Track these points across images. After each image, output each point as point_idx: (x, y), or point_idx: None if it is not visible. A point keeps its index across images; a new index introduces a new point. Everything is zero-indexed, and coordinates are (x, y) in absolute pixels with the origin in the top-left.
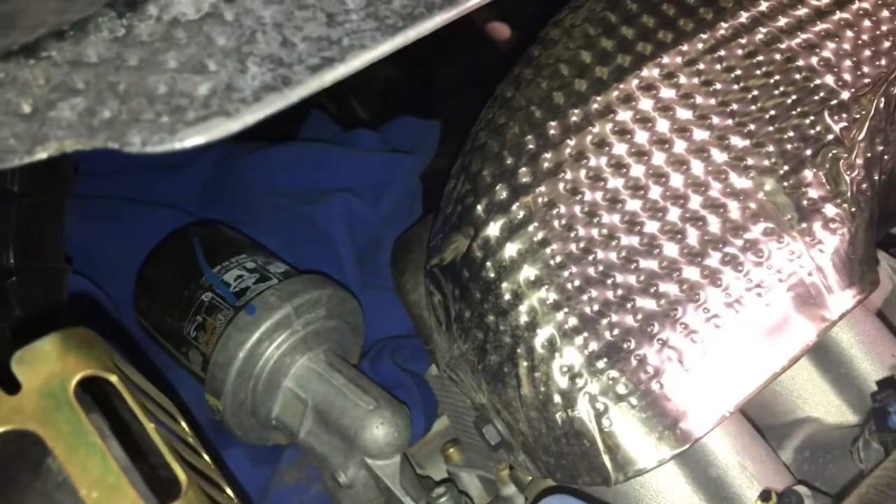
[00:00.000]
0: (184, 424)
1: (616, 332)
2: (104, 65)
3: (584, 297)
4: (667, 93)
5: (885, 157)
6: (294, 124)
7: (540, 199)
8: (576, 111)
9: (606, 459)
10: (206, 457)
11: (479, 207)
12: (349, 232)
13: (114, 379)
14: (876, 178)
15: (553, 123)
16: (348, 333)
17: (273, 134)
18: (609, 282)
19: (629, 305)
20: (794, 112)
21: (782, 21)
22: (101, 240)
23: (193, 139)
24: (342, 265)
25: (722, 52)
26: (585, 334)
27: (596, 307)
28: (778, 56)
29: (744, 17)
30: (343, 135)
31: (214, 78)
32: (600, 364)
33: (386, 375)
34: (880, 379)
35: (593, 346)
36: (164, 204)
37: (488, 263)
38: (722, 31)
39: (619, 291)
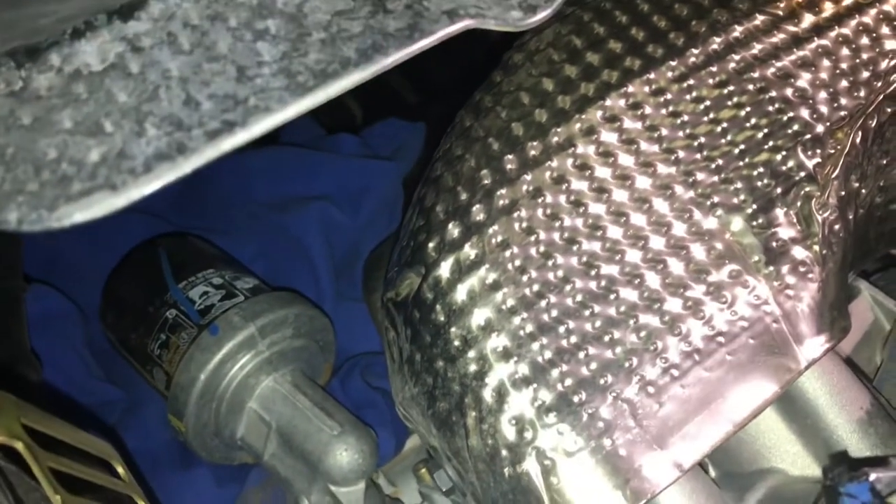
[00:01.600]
0: (121, 471)
1: (568, 382)
2: None
3: (536, 346)
4: (631, 125)
5: (863, 191)
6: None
7: (493, 240)
8: (534, 144)
9: None
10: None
11: (430, 245)
12: (326, 241)
13: (19, 447)
14: (851, 216)
15: (510, 157)
16: (317, 352)
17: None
18: (562, 329)
19: (582, 355)
20: (765, 146)
21: (756, 48)
22: (71, 246)
23: (73, 217)
24: (318, 276)
25: (691, 81)
26: (535, 385)
27: (548, 355)
28: (751, 86)
29: (716, 43)
30: (324, 139)
31: (108, 142)
32: (550, 418)
33: (356, 394)
34: (833, 453)
35: (543, 397)
36: (136, 209)
37: (438, 306)
38: (693, 59)
39: (573, 339)
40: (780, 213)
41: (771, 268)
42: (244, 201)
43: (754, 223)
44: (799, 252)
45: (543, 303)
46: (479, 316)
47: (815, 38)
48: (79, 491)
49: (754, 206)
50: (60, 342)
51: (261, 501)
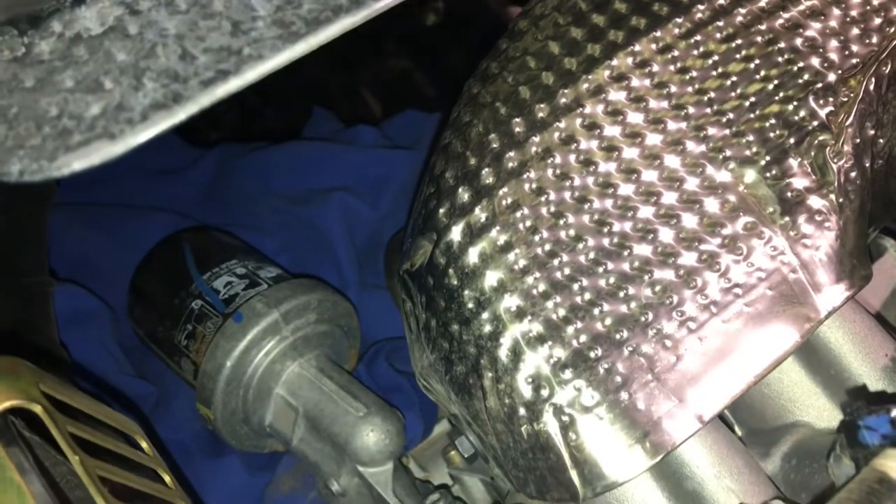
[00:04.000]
0: (145, 445)
1: (583, 339)
2: None
3: (549, 304)
4: (639, 83)
5: (881, 140)
6: (299, 122)
7: (503, 201)
8: (542, 106)
9: (574, 474)
10: (167, 477)
11: (441, 211)
12: (347, 231)
13: (38, 409)
14: (867, 164)
15: (518, 120)
16: (342, 337)
17: (276, 133)
18: (576, 286)
19: (596, 311)
20: (776, 97)
21: (763, 1)
22: (100, 246)
23: (72, 166)
24: (340, 266)
25: (698, 37)
26: (550, 342)
27: (562, 313)
28: (758, 38)
29: None
30: (344, 132)
31: (107, 97)
32: (566, 374)
33: (382, 379)
34: (851, 388)
35: (558, 354)
36: (164, 209)
37: (450, 270)
38: (699, 15)
39: (587, 296)
40: (793, 163)
41: (786, 218)
42: (267, 196)
43: (768, 174)
44: (815, 201)
45: (556, 261)
46: (492, 277)
47: None
48: (100, 459)
49: (767, 158)
50: (90, 340)
51: (291, 488)
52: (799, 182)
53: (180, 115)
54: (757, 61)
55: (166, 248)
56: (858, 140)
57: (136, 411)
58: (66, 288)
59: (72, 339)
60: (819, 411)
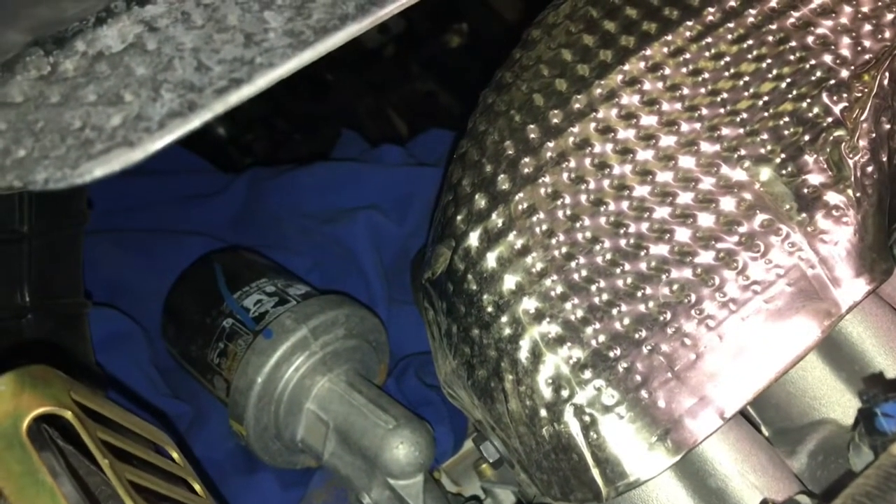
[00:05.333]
0: (175, 455)
1: (601, 339)
2: (26, 104)
3: (568, 305)
4: (652, 86)
5: None
6: (327, 146)
7: (519, 206)
8: (556, 112)
9: (596, 474)
10: (197, 486)
11: (458, 218)
12: (375, 249)
13: (68, 415)
14: (884, 159)
15: (532, 127)
16: (371, 352)
17: (305, 158)
18: (593, 287)
19: (615, 311)
20: (789, 95)
21: (774, 1)
22: (134, 270)
23: (94, 172)
24: (369, 283)
25: (710, 39)
26: (569, 343)
27: (580, 314)
28: (770, 38)
29: (732, 0)
30: (369, 152)
31: (127, 108)
32: (586, 374)
33: (412, 393)
34: (867, 376)
35: (578, 355)
36: (195, 232)
37: (469, 275)
38: (710, 17)
39: (605, 296)
40: (809, 159)
41: (804, 215)
42: (296, 216)
43: (783, 172)
44: (832, 197)
45: (573, 263)
46: (510, 281)
47: None
48: (131, 465)
49: (782, 156)
50: (126, 362)
51: (324, 503)
52: (815, 178)
53: (195, 121)
54: (769, 60)
55: (198, 269)
56: (874, 135)
57: (171, 431)
58: (102, 311)
59: (108, 361)
60: (845, 407)
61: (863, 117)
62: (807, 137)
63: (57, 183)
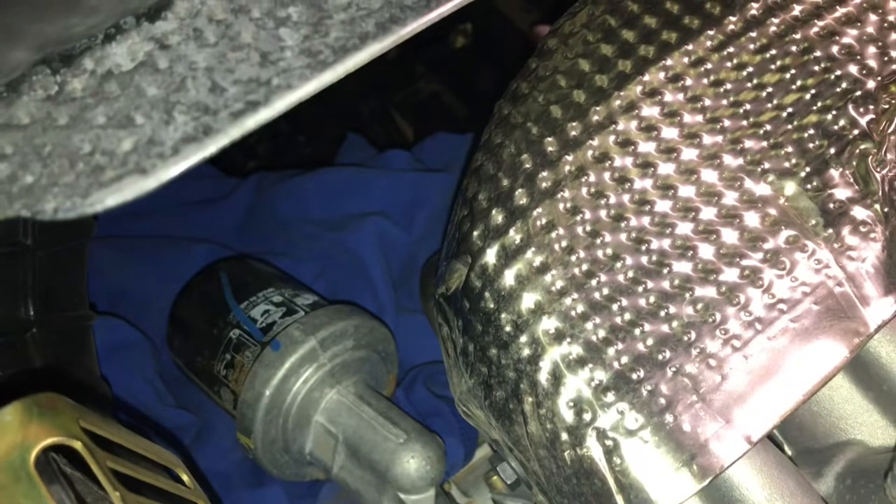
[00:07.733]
0: (186, 478)
1: (624, 360)
2: (33, 126)
3: (589, 325)
4: (672, 97)
5: None
6: (332, 148)
7: (538, 222)
8: (574, 124)
9: (620, 500)
10: None
11: (475, 234)
12: (382, 256)
13: (77, 446)
14: None
15: (550, 139)
16: (380, 363)
17: (310, 160)
18: (615, 306)
19: (637, 331)
20: (814, 107)
21: (797, 9)
22: (139, 278)
23: (105, 202)
24: (376, 290)
25: (731, 49)
26: (591, 365)
27: (602, 334)
28: (793, 48)
29: (754, 8)
30: (376, 156)
31: (139, 132)
32: (608, 397)
33: (421, 404)
34: None
35: (600, 377)
36: (201, 239)
37: (486, 293)
38: (731, 27)
39: (627, 316)
40: (835, 173)
41: (830, 230)
42: (302, 223)
43: (808, 186)
44: (859, 212)
45: (594, 281)
46: (529, 299)
47: None
48: (141, 494)
49: (807, 169)
50: (131, 372)
51: None
52: (841, 193)
53: (211, 147)
54: (793, 71)
55: (204, 278)
56: None
57: (177, 443)
58: (107, 321)
59: (113, 372)
60: (872, 428)
61: (890, 129)
62: (832, 150)
63: (66, 213)
